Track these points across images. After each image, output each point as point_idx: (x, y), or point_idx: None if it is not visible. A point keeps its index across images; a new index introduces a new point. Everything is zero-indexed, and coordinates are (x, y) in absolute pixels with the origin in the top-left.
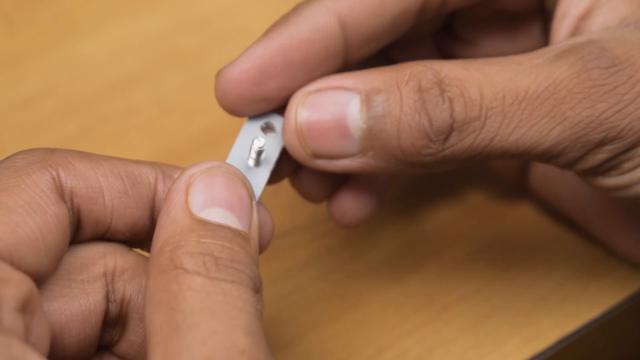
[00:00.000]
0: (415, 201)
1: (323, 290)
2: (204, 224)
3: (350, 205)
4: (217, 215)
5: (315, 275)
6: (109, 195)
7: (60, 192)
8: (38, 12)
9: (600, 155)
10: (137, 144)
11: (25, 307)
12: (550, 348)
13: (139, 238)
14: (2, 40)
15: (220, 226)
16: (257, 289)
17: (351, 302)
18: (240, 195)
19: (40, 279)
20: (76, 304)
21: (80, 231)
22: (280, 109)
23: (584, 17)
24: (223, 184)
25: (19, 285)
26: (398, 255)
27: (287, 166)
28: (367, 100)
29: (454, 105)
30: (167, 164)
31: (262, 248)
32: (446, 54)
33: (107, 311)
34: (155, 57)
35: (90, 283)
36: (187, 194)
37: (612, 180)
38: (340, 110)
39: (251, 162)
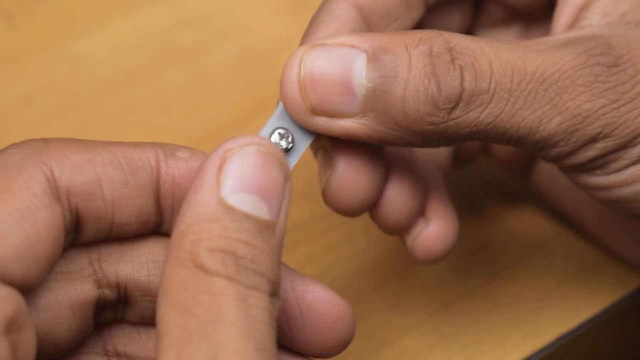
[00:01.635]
0: None
1: None
2: (230, 212)
3: (434, 241)
4: (245, 202)
5: (315, 273)
6: (108, 187)
7: (55, 192)
8: (38, 9)
9: (590, 152)
10: (137, 141)
11: (11, 327)
12: (550, 345)
13: (148, 227)
14: (2, 37)
15: (247, 216)
16: (274, 292)
17: (351, 299)
18: (274, 179)
19: (30, 288)
20: (64, 296)
21: (82, 229)
22: None
23: (584, 7)
24: (258, 165)
25: (3, 305)
26: (398, 252)
27: (365, 196)
28: (373, 59)
29: (465, 74)
30: (169, 143)
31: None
32: None
33: (101, 297)
34: (155, 54)
35: (76, 272)
36: (220, 171)
37: (595, 179)
38: (346, 65)
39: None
